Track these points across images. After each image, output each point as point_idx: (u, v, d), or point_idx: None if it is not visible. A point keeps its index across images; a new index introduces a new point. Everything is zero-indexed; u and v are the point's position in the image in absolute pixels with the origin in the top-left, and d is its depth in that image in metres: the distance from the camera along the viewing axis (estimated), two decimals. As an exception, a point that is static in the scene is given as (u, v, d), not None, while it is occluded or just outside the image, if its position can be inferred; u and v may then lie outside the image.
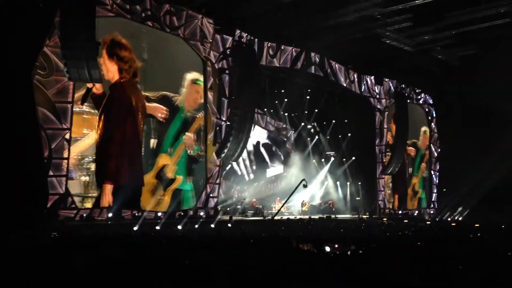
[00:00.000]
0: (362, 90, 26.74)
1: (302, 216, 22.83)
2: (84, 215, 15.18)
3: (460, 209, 27.54)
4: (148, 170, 14.65)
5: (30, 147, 13.52)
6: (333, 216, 22.42)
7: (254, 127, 22.29)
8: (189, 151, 14.90)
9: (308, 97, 25.66)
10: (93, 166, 15.41)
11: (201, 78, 16.47)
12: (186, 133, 14.82)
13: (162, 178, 14.68)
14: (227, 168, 22.53)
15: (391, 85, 28.10)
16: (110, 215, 15.67)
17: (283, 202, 22.69)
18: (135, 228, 14.01)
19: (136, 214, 16.36)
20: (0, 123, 12.35)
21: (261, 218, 21.36)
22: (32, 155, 13.50)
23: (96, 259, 5.83)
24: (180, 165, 14.64)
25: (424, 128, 29.42)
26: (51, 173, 14.48)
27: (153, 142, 14.83)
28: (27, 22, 13.08)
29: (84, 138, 15.57)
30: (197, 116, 16.01)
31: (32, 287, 4.39)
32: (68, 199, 14.84)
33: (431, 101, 30.69)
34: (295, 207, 25.00)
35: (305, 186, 21.75)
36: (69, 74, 13.97)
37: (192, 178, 16.16)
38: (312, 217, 22.12)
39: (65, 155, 14.90)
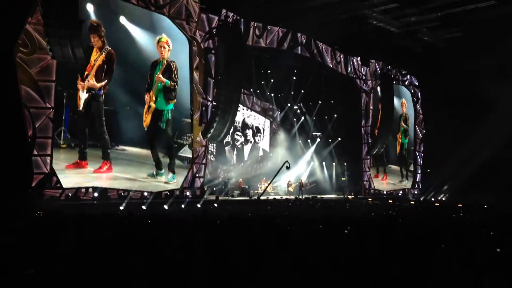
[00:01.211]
0: (349, 71, 26.76)
1: (288, 196, 23.00)
2: (70, 194, 15.10)
3: (444, 189, 27.99)
4: None
5: (14, 126, 13.33)
6: (300, 196, 22.75)
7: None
8: (162, 84, 18.05)
9: (294, 78, 25.60)
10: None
11: (163, 36, 18.07)
12: (157, 74, 17.94)
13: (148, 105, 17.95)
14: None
15: (377, 66, 28.17)
16: (96, 194, 15.63)
17: (268, 183, 22.80)
18: (121, 208, 14.00)
19: (122, 194, 16.34)
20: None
21: (247, 198, 21.48)
22: (15, 134, 13.32)
23: (81, 239, 5.83)
24: (158, 94, 18.10)
25: (402, 100, 29.75)
26: (35, 152, 14.34)
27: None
28: (9, -1, 12.81)
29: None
30: (171, 63, 18.27)
31: (16, 267, 4.38)
32: (53, 178, 14.72)
33: (416, 83, 30.88)
34: (281, 187, 25.16)
35: (287, 167, 21.83)
36: (52, 52, 13.77)
37: (171, 102, 18.48)
38: (298, 197, 22.35)
39: (50, 134, 14.76)
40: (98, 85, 16.11)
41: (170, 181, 18.34)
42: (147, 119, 17.91)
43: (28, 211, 10.79)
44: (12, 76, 13.32)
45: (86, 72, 15.81)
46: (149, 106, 17.92)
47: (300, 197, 22.53)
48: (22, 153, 13.58)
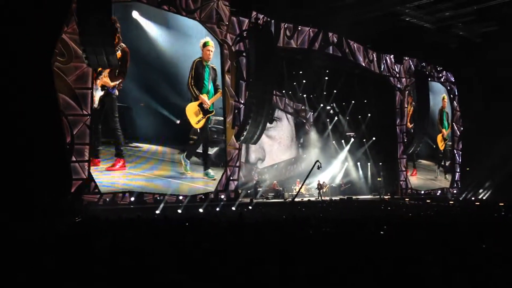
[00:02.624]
0: (382, 69, 26.37)
1: (322, 198, 22.83)
2: (107, 199, 15.42)
3: (484, 187, 27.21)
4: (193, 101, 18.45)
5: (53, 133, 13.71)
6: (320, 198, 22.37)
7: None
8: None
9: (326, 78, 25.40)
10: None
11: (208, 39, 18.67)
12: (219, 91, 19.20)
13: (203, 108, 18.58)
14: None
15: (411, 63, 27.66)
16: (132, 199, 15.91)
17: (301, 184, 22.67)
18: (157, 212, 14.19)
19: (158, 198, 16.57)
20: (21, 110, 12.51)
21: (282, 200, 21.43)
22: (55, 142, 13.69)
23: (118, 244, 5.93)
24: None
25: (443, 95, 29.30)
26: (73, 158, 14.71)
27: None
28: (45, 9, 13.16)
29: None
30: (215, 68, 19.10)
31: (56, 272, 4.49)
32: (91, 183, 15.07)
33: (452, 79, 30.14)
34: (315, 188, 24.99)
35: (319, 167, 21.63)
36: (88, 60, 14.09)
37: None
38: (333, 198, 22.14)
39: (87, 140, 15.11)
40: (112, 83, 16.11)
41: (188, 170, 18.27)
42: (201, 122, 18.48)
43: (68, 216, 11.05)
44: (50, 84, 13.72)
45: (99, 69, 15.57)
46: (206, 110, 18.53)
47: (319, 198, 22.26)
48: (61, 159, 13.95)
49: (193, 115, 18.26)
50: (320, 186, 23.41)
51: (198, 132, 18.64)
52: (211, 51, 18.71)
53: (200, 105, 18.44)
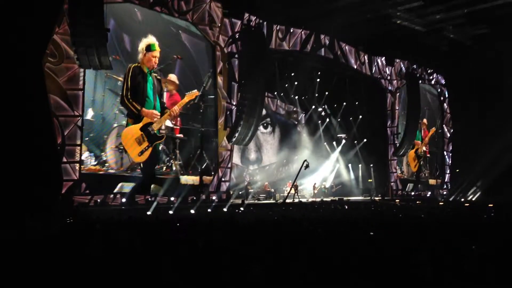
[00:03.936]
0: (373, 71, 26.51)
1: (314, 199, 22.90)
2: (98, 200, 15.36)
3: (473, 189, 27.45)
4: (130, 123, 12.66)
5: (43, 134, 13.63)
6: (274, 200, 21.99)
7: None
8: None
9: (318, 79, 25.51)
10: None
11: (155, 41, 12.91)
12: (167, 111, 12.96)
13: (148, 132, 12.49)
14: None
15: (402, 66, 27.85)
16: (124, 200, 15.85)
17: (291, 185, 22.69)
18: (148, 213, 14.14)
19: (150, 199, 16.54)
20: (12, 112, 12.42)
21: (273, 201, 21.46)
22: (45, 142, 13.61)
23: (111, 245, 5.92)
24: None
25: None
26: (64, 159, 14.64)
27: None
28: (36, 9, 13.09)
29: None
30: (160, 78, 13.40)
31: (47, 274, 4.47)
32: (82, 184, 15.02)
33: (443, 82, 30.40)
34: (307, 190, 25.06)
35: (306, 167, 21.59)
36: (79, 61, 14.04)
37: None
38: (324, 199, 22.20)
39: (78, 141, 15.05)
40: None
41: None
42: (145, 154, 12.38)
43: (59, 217, 11.00)
44: (41, 85, 13.63)
45: None
46: (153, 136, 12.48)
47: (295, 200, 22.08)
48: (52, 160, 13.87)
49: (134, 144, 12.40)
50: (296, 188, 23.20)
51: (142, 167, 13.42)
52: (157, 57, 12.99)
53: (144, 129, 12.50)
